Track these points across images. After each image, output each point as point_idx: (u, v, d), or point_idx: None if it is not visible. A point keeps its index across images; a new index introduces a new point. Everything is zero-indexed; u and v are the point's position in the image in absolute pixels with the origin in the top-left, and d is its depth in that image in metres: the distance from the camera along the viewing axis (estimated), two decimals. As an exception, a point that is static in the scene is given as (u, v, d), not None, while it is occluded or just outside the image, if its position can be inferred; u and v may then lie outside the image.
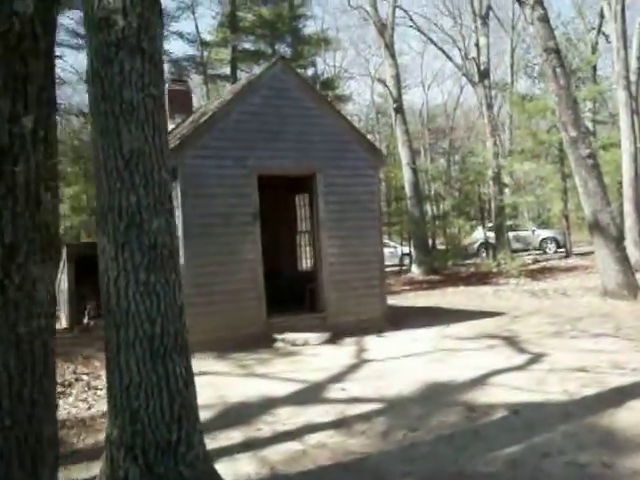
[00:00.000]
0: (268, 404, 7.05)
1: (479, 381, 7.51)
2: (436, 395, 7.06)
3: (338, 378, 8.16)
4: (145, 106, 4.50)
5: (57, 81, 29.35)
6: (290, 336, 10.68)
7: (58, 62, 36.21)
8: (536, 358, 8.62)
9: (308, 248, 14.86)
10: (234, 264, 10.75)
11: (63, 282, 17.18)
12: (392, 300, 17.01)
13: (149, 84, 4.54)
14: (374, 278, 12.24)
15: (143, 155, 4.46)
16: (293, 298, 13.16)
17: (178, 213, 10.48)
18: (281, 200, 15.12)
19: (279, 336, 10.74)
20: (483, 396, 6.82)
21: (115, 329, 4.43)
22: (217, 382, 8.24)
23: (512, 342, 9.93)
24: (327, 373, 8.39)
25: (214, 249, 10.58)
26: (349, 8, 34.81)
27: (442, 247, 33.07)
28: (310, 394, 7.48)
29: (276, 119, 11.33)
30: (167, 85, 16.24)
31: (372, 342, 10.74)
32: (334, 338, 10.93)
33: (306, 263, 15.19)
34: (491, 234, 28.80)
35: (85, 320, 16.20)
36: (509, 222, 29.42)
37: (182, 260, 10.21)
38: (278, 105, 11.39)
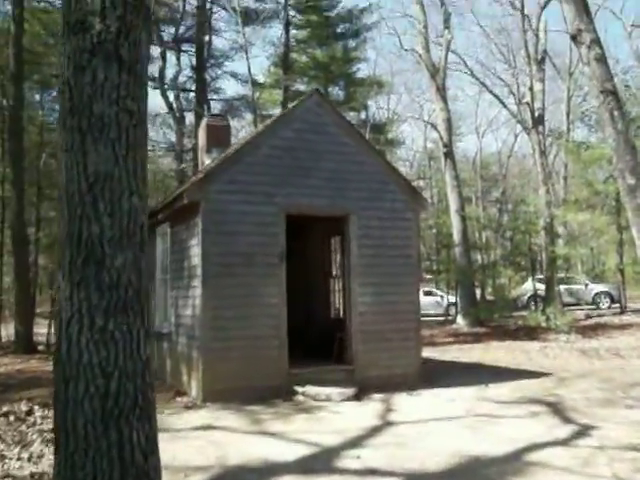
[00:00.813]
0: (270, 470, 6.21)
1: (516, 457, 6.52)
2: (465, 472, 6.11)
3: (356, 443, 7.24)
4: (119, 122, 3.84)
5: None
6: (312, 390, 9.81)
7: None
8: (583, 431, 7.57)
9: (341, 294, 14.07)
10: (256, 308, 10.00)
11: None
12: (432, 352, 16.03)
13: (125, 97, 3.89)
14: (409, 330, 11.31)
15: (111, 178, 3.78)
16: (323, 347, 12.32)
17: (198, 251, 9.85)
18: (316, 242, 14.40)
19: (300, 389, 9.89)
20: (518, 477, 5.84)
21: (63, 382, 3.69)
22: (222, 439, 7.41)
23: (557, 410, 8.86)
24: (345, 436, 7.49)
25: (235, 291, 9.87)
26: (403, 51, 34.49)
27: (490, 298, 31.79)
28: (320, 461, 6.59)
29: (309, 155, 10.67)
30: (205, 119, 15.86)
31: (401, 401, 9.78)
32: (360, 394, 10.00)
33: (340, 310, 14.36)
34: (541, 286, 27.46)
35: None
36: (561, 274, 28.08)
37: (199, 301, 9.56)
38: (312, 140, 10.73)
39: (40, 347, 22.01)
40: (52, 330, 27.24)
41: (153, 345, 13.05)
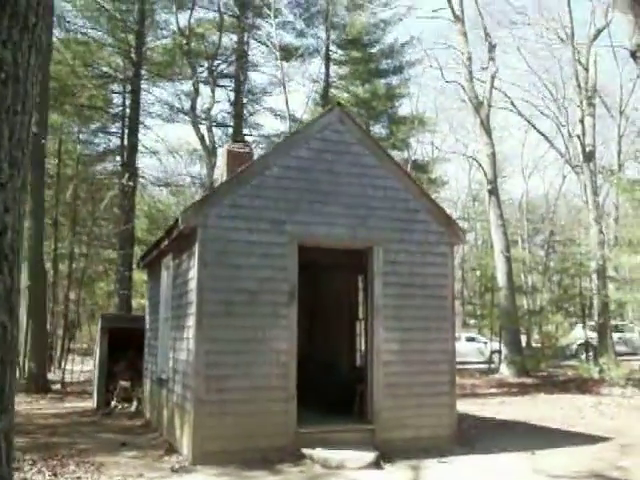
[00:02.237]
0: None
1: None
2: None
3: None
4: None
5: (143, 150, 28.54)
6: (322, 454, 8.20)
7: (146, 132, 36.16)
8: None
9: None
10: (259, 354, 8.50)
11: (95, 355, 15.40)
12: (472, 406, 14.28)
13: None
14: (442, 384, 9.67)
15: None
16: (346, 401, 10.76)
17: (192, 286, 8.44)
18: (341, 280, 12.89)
19: (309, 452, 8.29)
20: None
21: None
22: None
23: (625, 492, 7.12)
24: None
25: (234, 333, 8.40)
26: (445, 87, 33.22)
27: (536, 345, 29.73)
28: None
29: (327, 177, 9.25)
30: (227, 145, 14.62)
31: (430, 470, 8.11)
32: (381, 460, 8.35)
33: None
34: (592, 334, 25.38)
35: (112, 402, 14.21)
36: (614, 321, 25.94)
37: (192, 344, 8.10)
38: (331, 160, 9.33)
39: (57, 386, 20.85)
40: (70, 368, 26.24)
41: (153, 392, 11.63)
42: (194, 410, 8.08)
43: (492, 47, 28.18)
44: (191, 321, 8.45)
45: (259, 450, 8.22)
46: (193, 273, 8.48)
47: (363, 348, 12.57)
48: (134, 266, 27.36)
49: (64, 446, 9.40)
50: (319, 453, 8.21)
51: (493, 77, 27.53)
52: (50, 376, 23.63)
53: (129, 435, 10.67)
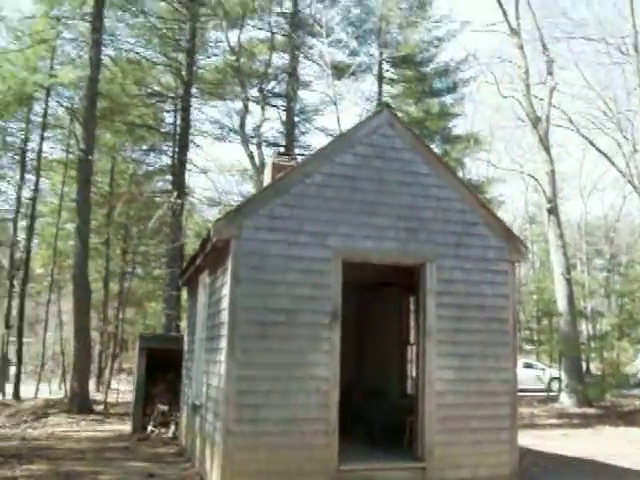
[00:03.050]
0: None
1: None
2: None
3: None
4: None
5: (194, 169, 28.13)
6: (366, 497, 7.30)
7: (197, 151, 35.93)
8: None
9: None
10: (297, 382, 7.65)
11: (134, 377, 14.78)
12: (531, 439, 13.14)
13: None
14: (502, 417, 8.64)
15: None
16: (395, 431, 9.83)
17: (225, 304, 7.67)
18: (390, 301, 12.00)
19: (351, 493, 7.40)
20: None
21: None
22: None
23: None
24: None
25: (270, 358, 7.57)
26: (502, 105, 32.08)
27: (597, 373, 28.10)
28: None
29: (375, 186, 8.41)
30: (272, 158, 13.94)
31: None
32: (433, 505, 7.41)
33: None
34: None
35: (149, 427, 13.52)
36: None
37: (223, 369, 7.33)
38: (379, 168, 8.48)
39: (100, 407, 20.37)
40: (117, 388, 25.81)
41: (189, 418, 10.89)
42: (223, 442, 7.26)
43: (551, 61, 27.03)
44: (223, 343, 7.67)
45: (295, 489, 7.36)
46: (226, 290, 7.71)
47: (415, 375, 11.68)
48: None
49: (86, 476, 8.70)
50: (363, 495, 7.31)
51: (552, 91, 26.33)
52: (99, 396, 23.25)
53: (160, 464, 9.93)
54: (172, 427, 13.19)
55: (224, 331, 7.67)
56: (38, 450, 11.04)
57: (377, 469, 7.96)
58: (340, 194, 8.20)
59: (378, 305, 12.22)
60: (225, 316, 7.66)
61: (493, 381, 8.68)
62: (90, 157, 20.55)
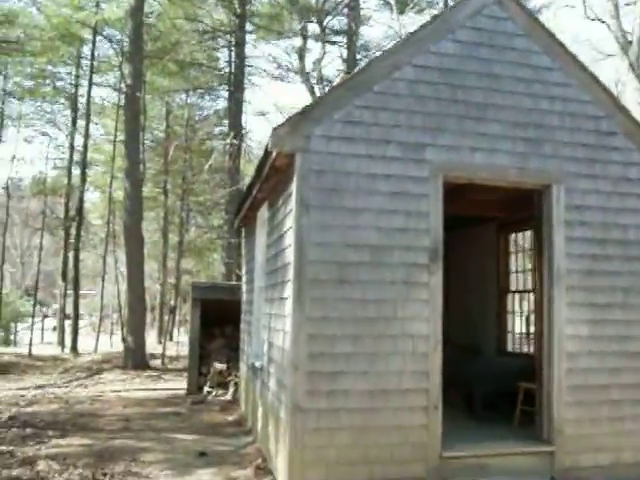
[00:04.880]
0: None
1: None
2: None
3: None
4: None
5: (250, 112, 26.10)
6: (485, 496, 5.42)
7: (254, 90, 33.77)
8: None
9: (520, 319, 9.71)
10: (387, 342, 5.75)
11: (188, 332, 13.24)
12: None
13: None
14: (654, 386, 6.61)
15: None
16: (492, 402, 7.95)
17: (289, 240, 5.81)
18: (486, 241, 9.98)
19: (462, 488, 5.54)
20: None
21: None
22: None
23: None
24: None
25: (350, 310, 5.68)
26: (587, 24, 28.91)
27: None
28: None
29: (483, 82, 6.31)
30: (341, 76, 11.91)
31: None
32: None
33: (519, 342, 9.87)
34: None
35: (205, 389, 11.93)
36: None
37: (288, 325, 5.51)
38: (487, 59, 6.36)
39: (158, 362, 19.11)
40: (177, 340, 24.63)
41: (248, 380, 9.21)
42: (291, 422, 5.46)
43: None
44: (288, 291, 5.81)
45: (387, 481, 5.55)
46: (290, 222, 5.81)
47: (516, 331, 9.80)
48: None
49: (124, 456, 7.09)
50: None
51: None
52: (160, 349, 22.05)
53: (215, 437, 8.27)
54: (231, 389, 11.56)
55: (288, 275, 5.81)
56: (78, 417, 9.55)
57: (490, 455, 6.04)
58: (438, 93, 6.15)
59: (469, 246, 10.23)
60: (289, 256, 5.78)
61: (639, 338, 6.63)
62: (138, 93, 18.85)
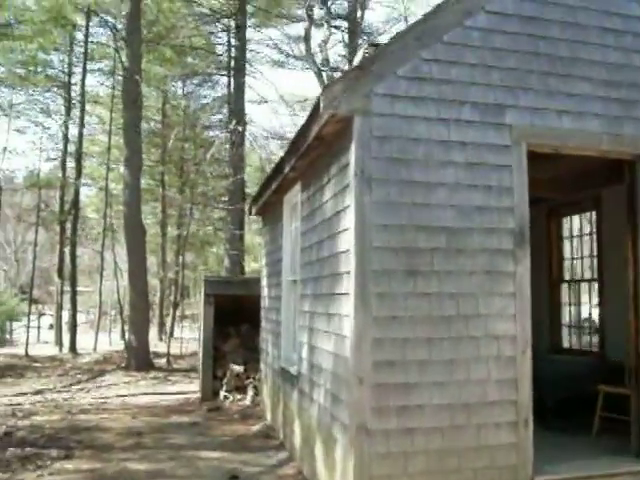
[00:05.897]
0: None
1: None
2: None
3: None
4: None
5: (251, 99, 25.08)
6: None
7: (255, 76, 32.65)
8: None
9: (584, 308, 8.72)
10: (467, 345, 4.73)
11: (200, 330, 12.21)
12: None
13: None
14: None
15: None
16: (554, 407, 6.97)
17: (347, 223, 4.77)
18: (535, 226, 8.94)
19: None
20: None
21: None
22: None
23: None
24: None
25: (424, 308, 4.65)
26: None
27: None
28: None
29: (568, 33, 5.26)
30: (365, 49, 10.86)
31: None
32: None
33: (581, 336, 8.89)
34: None
35: (222, 393, 10.91)
36: None
37: (347, 327, 4.46)
38: (571, 6, 5.31)
39: (162, 361, 18.05)
40: (180, 336, 23.61)
41: (275, 385, 8.19)
42: (355, 446, 4.43)
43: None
44: (345, 285, 4.77)
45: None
46: (349, 200, 4.76)
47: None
48: (246, 221, 24.54)
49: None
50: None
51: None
52: (162, 347, 21.03)
53: (242, 454, 7.23)
54: (250, 392, 10.54)
55: (343, 267, 4.77)
56: (83, 431, 8.50)
57: (591, 477, 5.04)
58: (517, 44, 5.11)
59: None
60: (345, 242, 4.75)
61: None
62: (136, 76, 17.73)
